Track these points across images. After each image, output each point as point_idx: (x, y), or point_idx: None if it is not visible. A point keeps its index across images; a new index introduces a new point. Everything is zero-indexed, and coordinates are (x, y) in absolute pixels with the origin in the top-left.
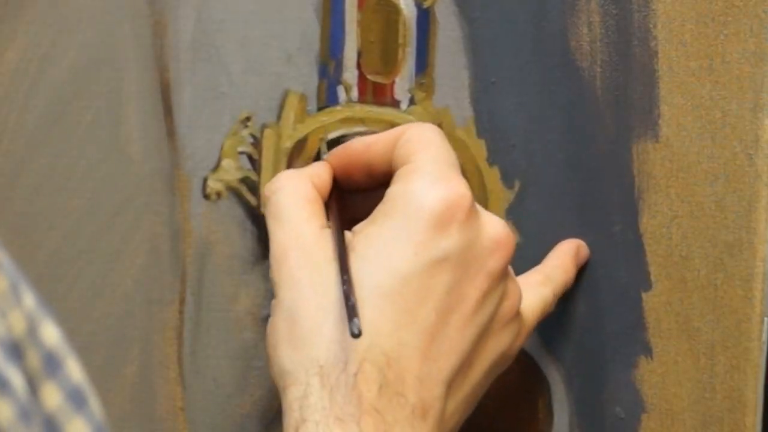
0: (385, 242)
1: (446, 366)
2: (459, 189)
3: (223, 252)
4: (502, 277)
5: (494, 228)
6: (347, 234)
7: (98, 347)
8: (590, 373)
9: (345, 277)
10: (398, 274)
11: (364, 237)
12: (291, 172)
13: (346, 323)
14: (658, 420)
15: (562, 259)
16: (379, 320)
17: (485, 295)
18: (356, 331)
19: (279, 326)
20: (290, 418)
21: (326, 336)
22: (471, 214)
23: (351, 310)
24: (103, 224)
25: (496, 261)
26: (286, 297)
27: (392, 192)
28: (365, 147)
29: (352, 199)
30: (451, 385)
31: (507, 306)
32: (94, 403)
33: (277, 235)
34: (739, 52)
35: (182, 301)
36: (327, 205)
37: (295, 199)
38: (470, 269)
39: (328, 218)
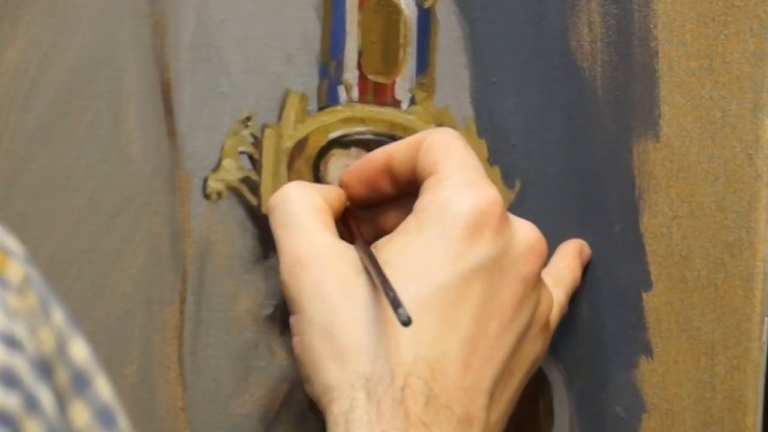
0: (419, 253)
1: (488, 375)
2: (490, 195)
3: (223, 252)
4: (536, 283)
5: (526, 233)
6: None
7: (98, 347)
8: (591, 373)
9: (380, 276)
10: (436, 284)
11: (396, 249)
12: (298, 183)
13: (385, 332)
14: (658, 420)
15: (568, 260)
16: (422, 332)
17: (521, 302)
18: (405, 319)
19: (315, 344)
20: None
21: (370, 350)
22: (503, 220)
23: (394, 300)
24: (103, 224)
25: (530, 266)
26: (317, 313)
27: (422, 203)
28: (387, 156)
29: (364, 217)
30: (492, 394)
31: (541, 311)
32: (123, 421)
33: (286, 245)
34: (739, 52)
35: (182, 301)
36: (343, 221)
37: (305, 208)
38: (506, 276)
39: (341, 236)
